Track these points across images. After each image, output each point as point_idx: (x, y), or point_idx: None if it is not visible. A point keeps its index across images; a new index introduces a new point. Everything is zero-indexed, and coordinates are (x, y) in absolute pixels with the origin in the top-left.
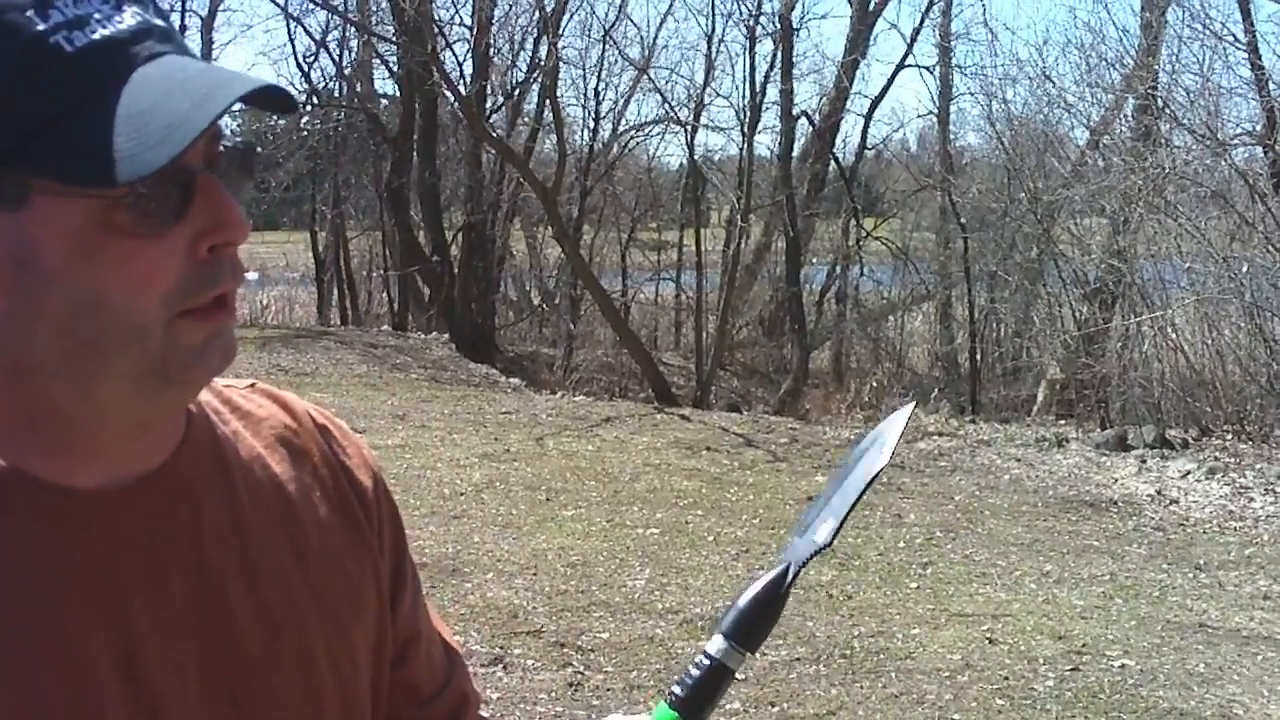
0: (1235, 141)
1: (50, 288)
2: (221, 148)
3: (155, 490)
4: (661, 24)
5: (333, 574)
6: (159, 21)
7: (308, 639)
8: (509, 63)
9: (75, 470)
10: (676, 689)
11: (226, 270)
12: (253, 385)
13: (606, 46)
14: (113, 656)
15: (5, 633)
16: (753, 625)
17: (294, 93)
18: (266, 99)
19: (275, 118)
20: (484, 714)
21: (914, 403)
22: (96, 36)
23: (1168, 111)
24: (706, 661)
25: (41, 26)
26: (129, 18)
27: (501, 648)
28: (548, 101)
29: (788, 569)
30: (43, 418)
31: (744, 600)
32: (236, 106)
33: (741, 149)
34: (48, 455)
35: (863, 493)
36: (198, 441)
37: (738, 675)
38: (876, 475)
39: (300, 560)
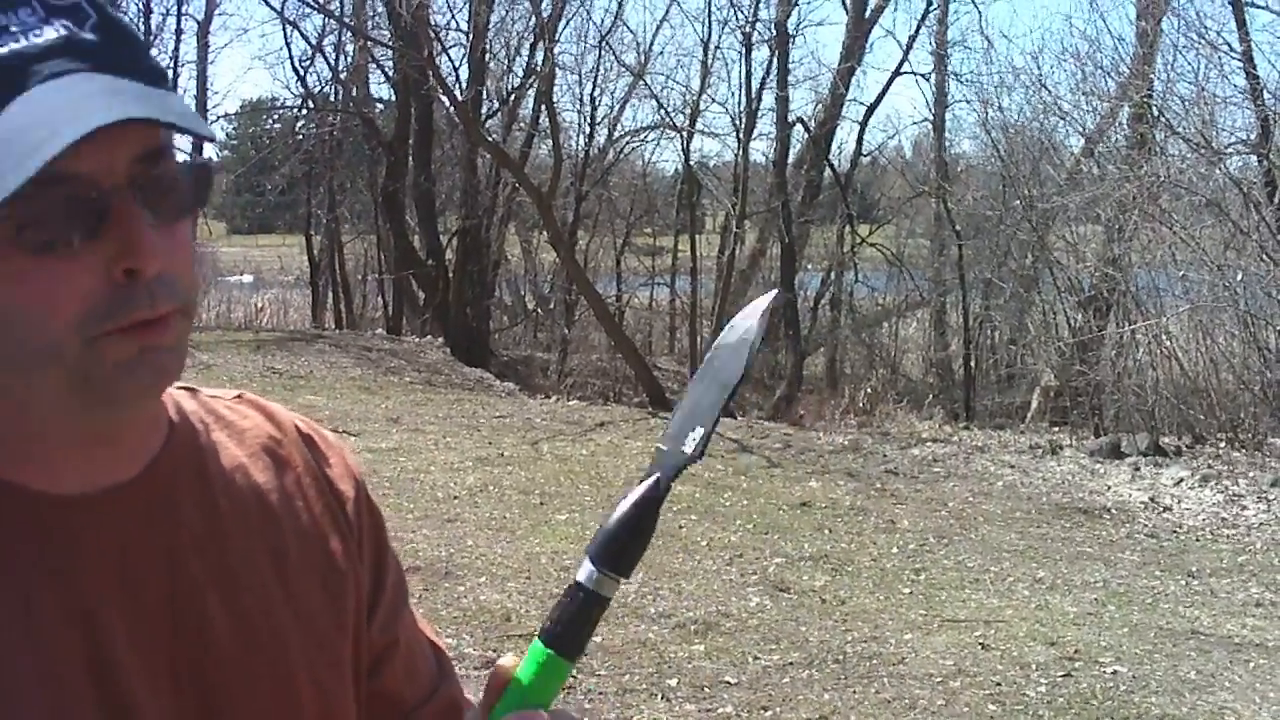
0: (1230, 150)
1: None
2: (158, 168)
3: (131, 499)
4: (657, 30)
5: (312, 584)
6: (88, 35)
7: (286, 649)
8: (505, 68)
9: (46, 477)
10: (549, 622)
11: (142, 295)
12: (239, 396)
13: (602, 52)
14: (86, 664)
15: None
16: (624, 548)
17: (187, 124)
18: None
19: (271, 121)
20: None
21: (776, 291)
22: (4, 51)
23: (1163, 120)
24: (579, 591)
25: None
26: (50, 32)
27: (494, 651)
28: (543, 107)
29: (657, 483)
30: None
31: (613, 522)
32: (235, 112)
33: (737, 155)
34: (14, 461)
35: (728, 401)
36: (178, 451)
37: (730, 680)
38: (740, 383)
39: (279, 570)
